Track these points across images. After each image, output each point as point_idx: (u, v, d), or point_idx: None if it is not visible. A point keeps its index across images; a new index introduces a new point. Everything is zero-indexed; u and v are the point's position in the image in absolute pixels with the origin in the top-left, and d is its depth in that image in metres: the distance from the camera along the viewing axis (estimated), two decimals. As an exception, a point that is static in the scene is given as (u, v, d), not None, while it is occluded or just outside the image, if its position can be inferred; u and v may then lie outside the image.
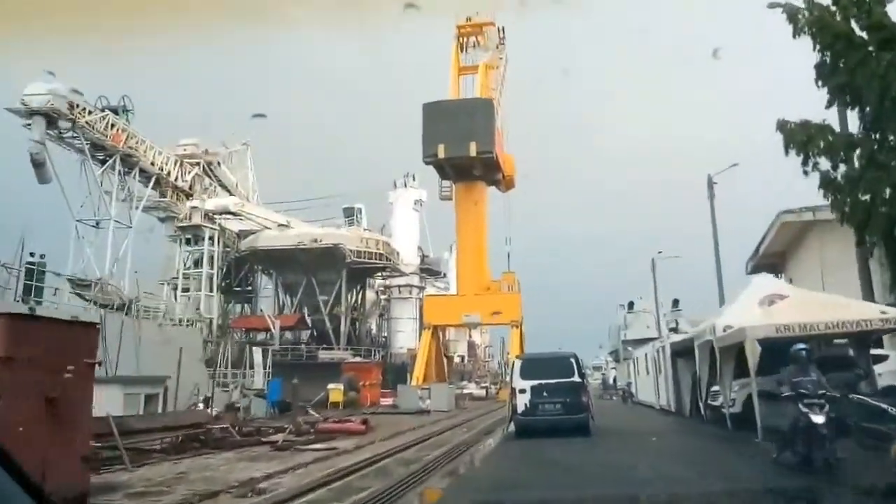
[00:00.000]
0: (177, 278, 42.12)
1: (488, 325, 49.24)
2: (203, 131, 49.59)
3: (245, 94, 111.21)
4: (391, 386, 35.36)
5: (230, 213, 43.76)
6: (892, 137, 10.25)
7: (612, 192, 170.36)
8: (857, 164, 10.64)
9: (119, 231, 37.08)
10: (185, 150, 45.52)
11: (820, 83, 10.66)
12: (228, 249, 45.48)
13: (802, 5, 10.25)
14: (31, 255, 18.87)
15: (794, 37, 10.59)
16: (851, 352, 12.82)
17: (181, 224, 42.48)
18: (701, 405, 15.52)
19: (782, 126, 10.86)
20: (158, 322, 23.38)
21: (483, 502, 7.43)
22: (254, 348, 32.29)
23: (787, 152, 10.79)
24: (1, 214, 48.86)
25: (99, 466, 9.17)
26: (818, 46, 10.43)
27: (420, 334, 43.73)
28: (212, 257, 42.43)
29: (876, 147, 10.44)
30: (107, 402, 13.58)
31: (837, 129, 11.64)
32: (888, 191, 9.75)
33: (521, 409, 14.14)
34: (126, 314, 21.22)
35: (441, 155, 38.58)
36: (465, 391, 41.28)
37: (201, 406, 17.83)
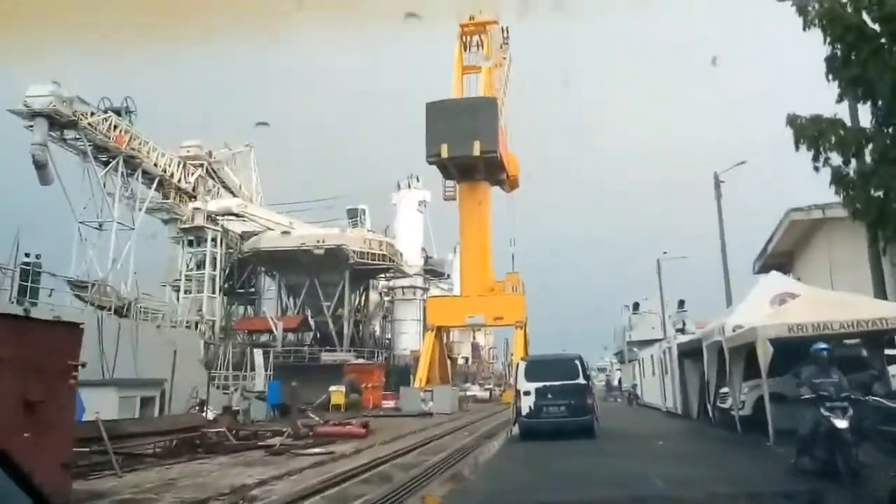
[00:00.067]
0: (179, 280, 41.92)
1: (492, 327, 48.87)
2: (206, 132, 49.66)
3: (248, 95, 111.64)
4: (394, 388, 35.08)
5: (233, 214, 43.56)
6: (905, 132, 9.89)
7: (612, 191, 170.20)
8: (869, 159, 10.34)
9: (122, 233, 36.90)
10: (188, 151, 45.36)
11: (831, 77, 10.34)
12: (231, 251, 45.26)
13: None
14: (27, 255, 18.69)
15: (803, 29, 10.26)
16: (865, 352, 12.46)
17: (184, 226, 42.30)
18: (709, 407, 15.22)
19: (792, 121, 10.52)
20: (157, 324, 23.13)
21: None
22: (255, 350, 32.02)
23: (797, 147, 10.47)
24: (4, 216, 48.89)
25: (87, 472, 8.90)
26: (828, 39, 10.14)
27: (423, 336, 43.42)
28: (214, 259, 42.18)
29: (889, 142, 10.11)
30: (101, 406, 13.36)
31: (849, 124, 11.38)
32: None
33: (525, 411, 14.12)
34: (125, 316, 20.98)
35: (444, 154, 38.26)
36: (469, 393, 40.92)
37: (196, 409, 17.53)
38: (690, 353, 17.63)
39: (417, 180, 59.30)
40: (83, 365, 6.84)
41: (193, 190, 44.33)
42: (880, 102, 10.20)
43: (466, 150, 37.85)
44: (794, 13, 10.03)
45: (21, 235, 18.35)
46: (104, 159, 36.86)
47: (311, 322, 44.61)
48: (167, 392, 16.77)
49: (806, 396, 7.61)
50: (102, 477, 9.20)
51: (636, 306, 52.97)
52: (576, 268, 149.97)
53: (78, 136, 34.82)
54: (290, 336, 44.60)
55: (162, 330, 22.00)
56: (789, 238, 19.54)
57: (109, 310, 20.73)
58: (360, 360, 40.77)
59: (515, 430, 15.01)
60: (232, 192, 48.20)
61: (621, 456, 11.19)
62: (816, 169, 10.51)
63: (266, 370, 29.93)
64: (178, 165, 43.12)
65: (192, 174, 44.36)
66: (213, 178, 46.86)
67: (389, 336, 57.12)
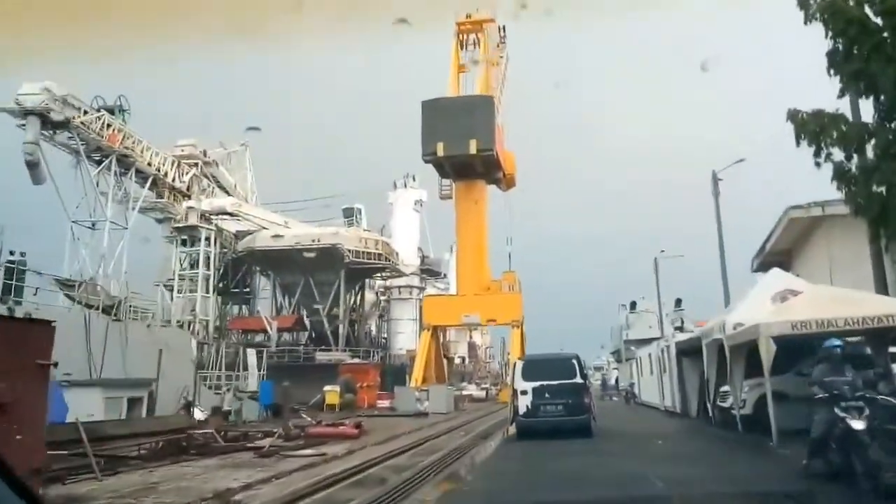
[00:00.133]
0: (173, 279, 41.60)
1: (488, 326, 48.62)
2: (203, 132, 49.31)
3: (247, 95, 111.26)
4: (390, 388, 34.75)
5: (227, 213, 43.23)
6: (908, 127, 9.67)
7: (612, 191, 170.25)
8: (871, 154, 10.10)
9: (115, 232, 36.60)
10: (182, 150, 45.08)
11: (832, 72, 10.11)
12: (226, 250, 44.95)
13: None
14: (11, 253, 18.33)
15: (805, 23, 10.06)
16: (868, 349, 12.19)
17: (177, 225, 41.96)
18: (709, 406, 14.99)
19: (793, 116, 10.31)
20: (147, 323, 22.76)
21: None
22: (248, 350, 31.67)
23: (798, 143, 10.26)
24: (-2, 216, 48.32)
25: (65, 476, 8.57)
26: (830, 33, 9.90)
27: (420, 335, 43.15)
28: (208, 258, 41.83)
29: (892, 137, 9.92)
30: (86, 407, 13.05)
31: (851, 119, 11.14)
32: None
33: (522, 410, 14.20)
34: (115, 316, 20.63)
35: (440, 153, 37.95)
36: (465, 393, 40.63)
37: (182, 411, 17.17)
38: (689, 351, 17.45)
39: (414, 179, 59.04)
40: (55, 364, 6.51)
41: (188, 189, 44.02)
42: (883, 97, 9.98)
43: (463, 148, 37.55)
44: (794, 12, 9.80)
45: (13, 235, 18.07)
46: (97, 158, 36.57)
47: (307, 322, 44.35)
48: (155, 393, 16.41)
49: (819, 396, 7.29)
50: (81, 481, 8.86)
51: (633, 305, 52.88)
52: (575, 267, 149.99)
53: (70, 135, 34.49)
54: (286, 336, 44.30)
55: (152, 329, 21.65)
56: (788, 236, 19.31)
57: (98, 309, 20.36)
58: (356, 360, 40.46)
59: (512, 429, 15.01)
60: (227, 192, 47.88)
61: (620, 456, 11.01)
62: (818, 164, 10.28)
63: (259, 370, 29.61)
64: (173, 164, 42.81)
65: (187, 173, 44.05)
66: (207, 178, 46.55)
67: (386, 335, 56.86)
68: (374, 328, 56.63)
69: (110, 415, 14.27)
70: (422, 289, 57.69)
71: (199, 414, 17.59)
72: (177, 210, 42.70)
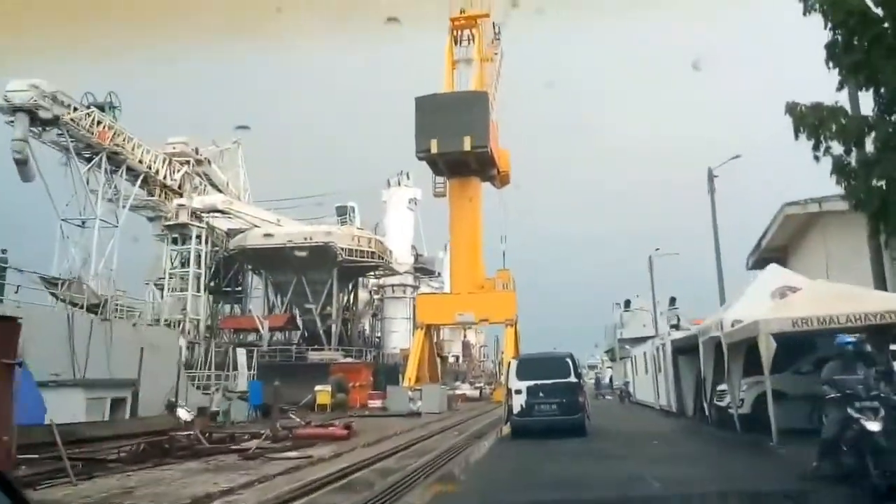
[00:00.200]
0: (164, 278, 41.15)
1: (482, 325, 48.35)
2: (196, 130, 48.89)
3: (245, 94, 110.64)
4: (383, 387, 34.42)
5: (218, 211, 42.80)
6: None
7: (609, 191, 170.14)
8: (871, 148, 9.86)
9: (105, 230, 36.15)
10: (174, 148, 44.64)
11: (831, 64, 9.85)
12: (217, 248, 44.48)
13: None
14: (-9, 249, 17.91)
15: (803, 14, 9.79)
16: (869, 347, 11.95)
17: (168, 223, 41.51)
18: (705, 405, 14.74)
19: (792, 109, 10.02)
20: (133, 322, 22.36)
21: None
22: (238, 349, 31.25)
23: (797, 136, 9.98)
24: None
25: (38, 481, 8.21)
26: (829, 24, 9.65)
27: (413, 334, 42.85)
28: (199, 256, 41.40)
29: (892, 130, 9.67)
30: (68, 407, 12.68)
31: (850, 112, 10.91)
32: None
33: (517, 409, 14.18)
34: (102, 314, 20.21)
35: (434, 150, 37.64)
36: (459, 392, 40.33)
37: (166, 412, 16.79)
38: (685, 349, 17.27)
39: (408, 177, 58.66)
40: (20, 364, 6.16)
41: (179, 187, 43.59)
42: (883, 89, 9.71)
43: (457, 145, 37.28)
44: (793, 11, 9.53)
45: (2, 233, 17.64)
46: (87, 155, 36.13)
47: (299, 321, 43.90)
48: (139, 393, 16.02)
49: (830, 396, 6.98)
50: (56, 485, 8.50)
51: (627, 304, 52.76)
52: (572, 267, 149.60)
53: (60, 132, 34.03)
54: (278, 335, 43.88)
55: (138, 328, 21.24)
56: (784, 233, 19.08)
57: (83, 307, 19.94)
58: (348, 360, 40.10)
59: (507, 429, 14.95)
60: (219, 189, 47.45)
61: (616, 456, 10.81)
62: (817, 158, 9.99)
63: (249, 370, 29.20)
64: (164, 162, 42.36)
65: (178, 171, 43.60)
66: (199, 175, 46.11)
67: (379, 334, 56.50)
68: (367, 327, 56.27)
69: (93, 416, 13.90)
70: (416, 287, 57.33)
71: (184, 415, 17.21)
72: (168, 208, 42.26)
